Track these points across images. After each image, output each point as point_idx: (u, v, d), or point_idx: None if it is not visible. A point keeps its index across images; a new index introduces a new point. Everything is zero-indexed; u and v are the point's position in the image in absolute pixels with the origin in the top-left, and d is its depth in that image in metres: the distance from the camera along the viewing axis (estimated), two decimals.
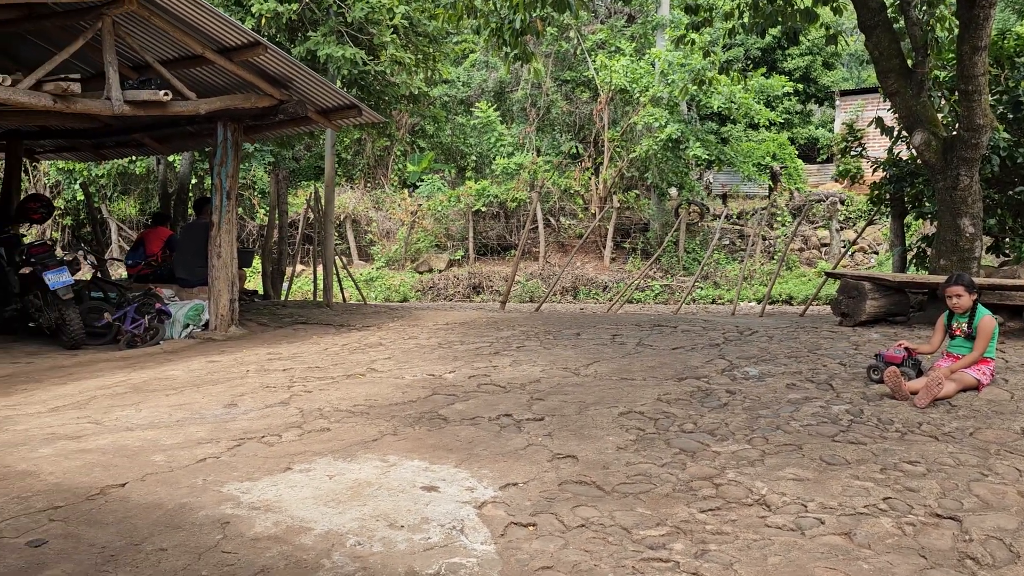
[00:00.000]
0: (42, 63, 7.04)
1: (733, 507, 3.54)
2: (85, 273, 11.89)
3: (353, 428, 4.78)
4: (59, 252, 17.16)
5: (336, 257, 11.99)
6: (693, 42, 11.45)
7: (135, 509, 3.55)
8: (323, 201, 11.87)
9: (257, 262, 14.62)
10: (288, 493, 3.71)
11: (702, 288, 18.03)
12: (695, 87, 14.74)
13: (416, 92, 11.51)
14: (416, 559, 3.03)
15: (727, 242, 20.66)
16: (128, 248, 20.13)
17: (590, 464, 4.10)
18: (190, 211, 13.63)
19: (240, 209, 19.79)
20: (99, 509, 3.55)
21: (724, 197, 23.87)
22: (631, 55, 21.24)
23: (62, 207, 21.62)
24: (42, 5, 7.27)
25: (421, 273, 20.26)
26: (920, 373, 5.38)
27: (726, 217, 19.71)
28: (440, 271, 20.16)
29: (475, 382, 5.96)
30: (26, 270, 8.57)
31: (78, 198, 20.80)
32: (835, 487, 3.73)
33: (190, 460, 4.25)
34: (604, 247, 20.36)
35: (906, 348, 5.45)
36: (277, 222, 12.56)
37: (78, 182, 20.29)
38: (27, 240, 10.68)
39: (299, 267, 14.32)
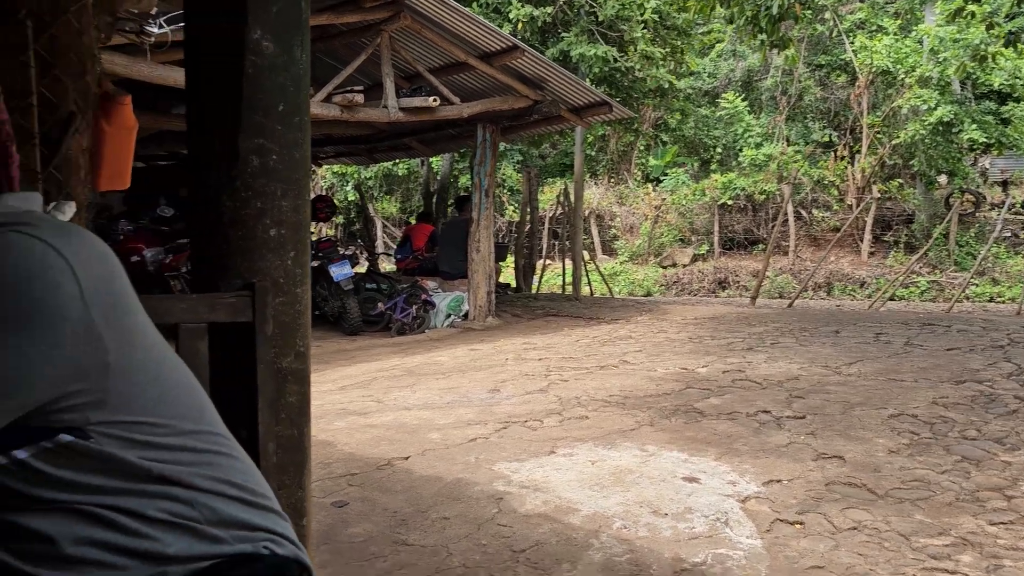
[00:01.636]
0: (328, 79, 7.88)
1: None
2: (361, 267, 13.12)
3: (610, 417, 4.91)
4: (340, 248, 19.09)
5: (584, 251, 12.27)
6: (972, 14, 10.37)
7: (418, 480, 3.91)
8: (572, 197, 12.18)
9: (510, 256, 15.32)
10: (554, 475, 3.90)
11: (977, 285, 16.29)
12: (973, 64, 13.32)
13: (665, 86, 11.46)
14: (682, 547, 3.07)
15: (1008, 234, 18.48)
16: (390, 243, 21.91)
17: (859, 466, 3.91)
18: (449, 208, 14.56)
19: None
20: (388, 478, 3.95)
21: (1004, 184, 21.34)
22: (895, 33, 19.62)
23: (337, 207, 23.95)
24: (332, 27, 8.12)
25: (664, 268, 20.13)
26: None
27: (1008, 206, 17.65)
28: (684, 266, 19.90)
29: (729, 377, 5.87)
30: (314, 263, 9.64)
31: (349, 198, 22.92)
32: None
33: (462, 439, 4.59)
34: (861, 240, 19.02)
35: None
36: (529, 218, 13.08)
37: (350, 184, 22.37)
38: (312, 237, 11.99)
39: (548, 261, 14.80)
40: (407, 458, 4.26)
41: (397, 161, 20.28)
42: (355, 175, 22.35)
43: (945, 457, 4.02)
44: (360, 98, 7.66)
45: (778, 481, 3.74)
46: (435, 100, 8.06)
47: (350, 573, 2.96)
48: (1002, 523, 3.23)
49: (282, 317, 1.77)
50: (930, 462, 3.96)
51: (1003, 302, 15.46)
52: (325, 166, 20.62)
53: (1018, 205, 19.00)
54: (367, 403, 5.56)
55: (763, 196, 19.94)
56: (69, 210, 2.53)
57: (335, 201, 23.67)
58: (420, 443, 4.52)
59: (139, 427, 1.01)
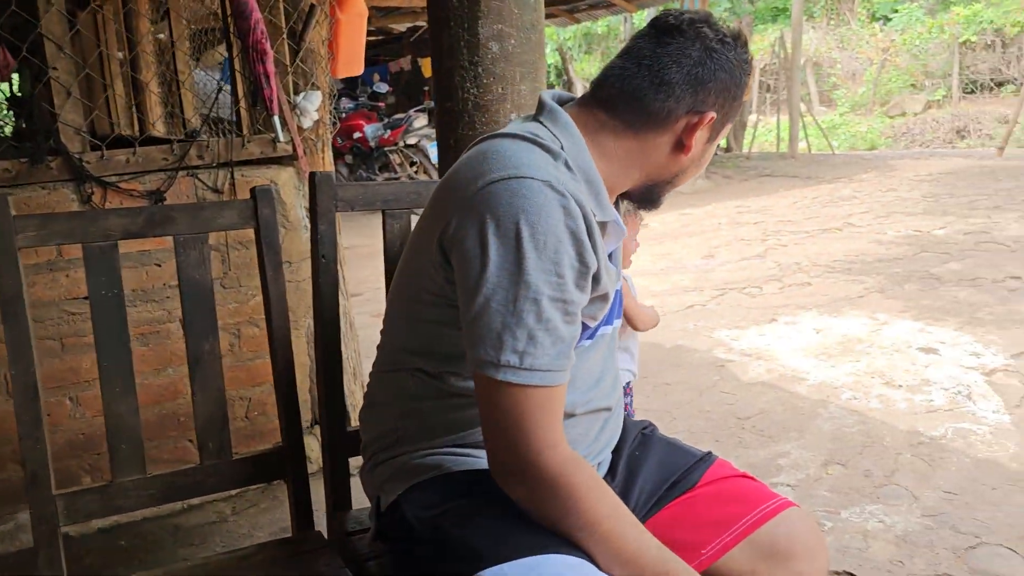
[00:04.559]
0: None
1: None
2: None
3: (835, 284, 4.71)
4: None
5: (800, 103, 11.45)
6: None
7: (640, 347, 3.99)
8: (788, 44, 11.31)
9: None
10: (776, 343, 3.85)
11: None
12: None
13: None
14: (918, 420, 2.96)
15: None
16: None
17: None
18: None
19: None
20: None
21: None
22: None
23: None
24: None
25: (892, 117, 18.38)
26: None
27: None
28: (915, 114, 18.05)
29: (972, 239, 5.39)
30: None
31: (549, 62, 22.66)
32: None
33: (679, 306, 4.60)
34: None
35: None
36: None
37: (552, 47, 22.06)
38: None
39: (758, 117, 14.00)
40: None
41: (597, 18, 19.65)
42: (554, 37, 21.96)
43: None
44: None
45: None
46: None
47: None
48: None
49: None
50: None
51: None
52: None
53: None
54: None
55: (1016, 29, 17.41)
56: (316, 99, 2.72)
57: None
58: None
59: None
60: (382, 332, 1.27)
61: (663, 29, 1.08)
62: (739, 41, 1.09)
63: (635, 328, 2.42)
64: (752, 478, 1.35)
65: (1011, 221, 5.77)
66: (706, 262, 5.58)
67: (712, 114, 1.08)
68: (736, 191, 8.64)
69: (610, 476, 1.29)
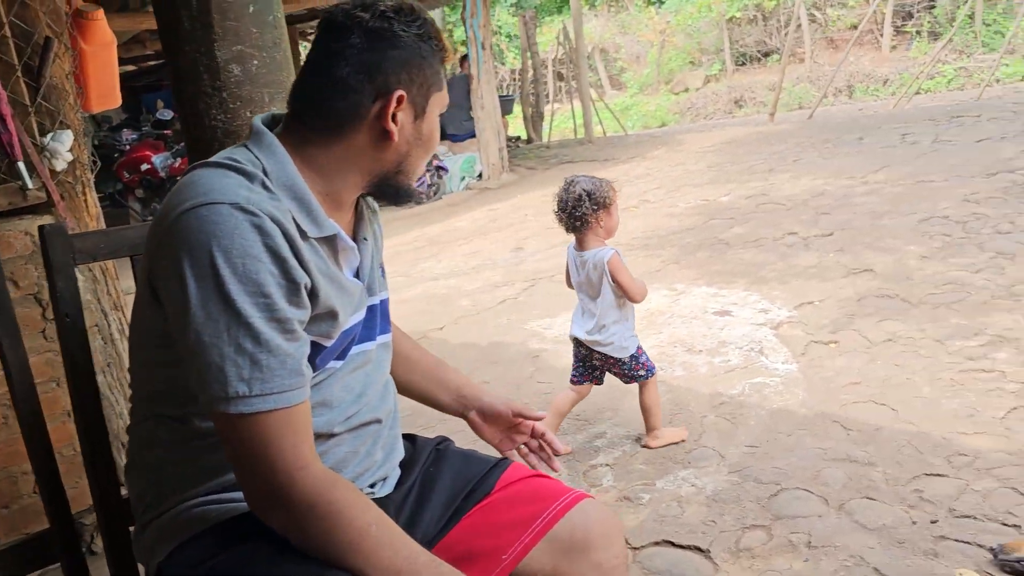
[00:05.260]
0: None
1: None
2: None
3: (635, 260, 4.91)
4: None
5: (591, 90, 11.90)
6: None
7: (456, 348, 4.00)
8: (572, 34, 11.72)
9: (516, 107, 14.96)
10: None
11: (1008, 65, 15.62)
12: None
13: None
14: (719, 381, 3.14)
15: None
16: None
17: (891, 277, 3.91)
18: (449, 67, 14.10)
19: None
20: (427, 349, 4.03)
21: None
22: None
23: None
24: None
25: (677, 94, 19.55)
26: None
27: None
28: (697, 89, 19.29)
29: (753, 203, 5.81)
30: None
31: None
32: None
33: (492, 302, 4.65)
34: (881, 35, 18.21)
35: None
36: (530, 63, 12.66)
37: None
38: None
39: (555, 106, 14.42)
40: (441, 328, 4.34)
41: None
42: None
43: (979, 255, 4.00)
44: None
45: (809, 303, 3.77)
46: None
47: None
48: None
49: None
50: (963, 263, 3.94)
51: None
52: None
53: None
54: (395, 279, 5.61)
55: (773, 2, 19.00)
56: (67, 139, 2.49)
57: None
58: (452, 312, 4.59)
59: None
60: (130, 384, 1.18)
61: (326, 28, 1.07)
62: (403, 12, 1.06)
63: (633, 301, 2.66)
64: (546, 476, 1.36)
65: (784, 181, 6.26)
66: (516, 255, 5.67)
67: (400, 92, 1.06)
68: (540, 181, 8.86)
69: (400, 493, 1.26)
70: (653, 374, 2.71)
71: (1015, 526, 2.04)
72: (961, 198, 4.89)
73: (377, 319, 1.22)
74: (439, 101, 1.13)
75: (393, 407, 1.27)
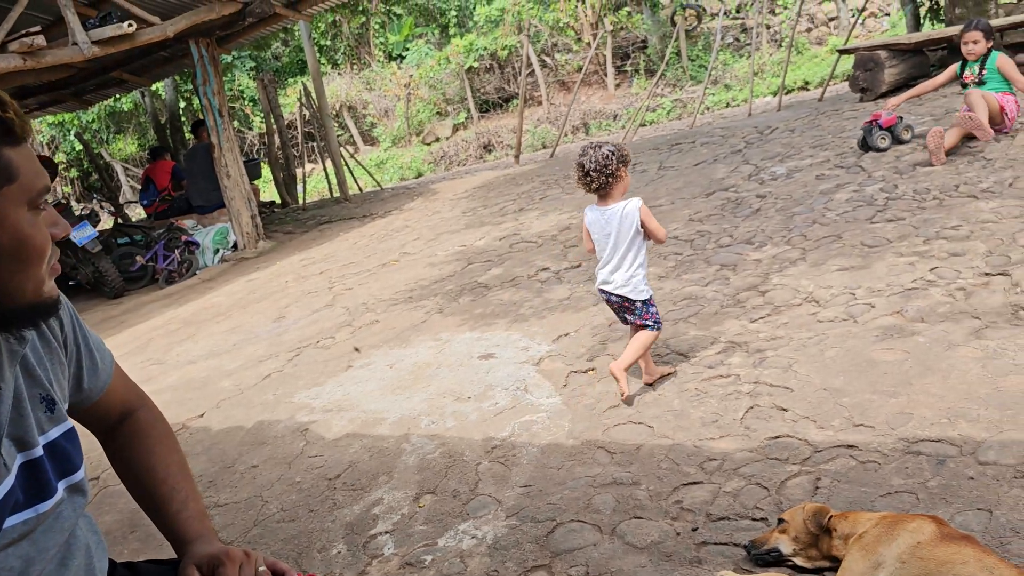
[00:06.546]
0: None
1: (783, 311, 3.59)
2: (107, 222, 11.96)
3: (400, 315, 4.88)
4: (75, 207, 17.23)
5: (342, 148, 11.82)
6: None
7: (219, 435, 3.72)
8: (314, 95, 11.61)
9: (267, 171, 14.53)
10: (355, 389, 3.85)
11: (713, 94, 17.51)
12: None
13: None
14: (489, 426, 3.15)
15: (730, 40, 19.84)
16: (137, 187, 20.12)
17: None
18: (188, 136, 13.47)
19: (235, 122, 19.52)
20: (186, 442, 3.72)
21: None
22: None
23: (64, 160, 21.52)
24: None
25: (428, 144, 19.96)
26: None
27: (724, 14, 18.83)
28: (447, 138, 19.83)
29: (507, 243, 5.99)
30: None
31: (76, 148, 20.64)
32: (880, 269, 3.74)
33: (256, 379, 4.40)
34: (605, 75, 19.76)
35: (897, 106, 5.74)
36: (275, 127, 12.37)
37: (72, 132, 20.09)
38: None
39: (309, 166, 14.17)
40: (202, 415, 4.03)
41: (118, 97, 18.34)
42: (75, 122, 20.03)
43: (707, 269, 4.36)
44: (42, 39, 6.70)
45: (566, 335, 3.91)
46: (131, 25, 7.21)
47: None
48: (761, 318, 3.57)
49: None
50: (694, 277, 4.28)
51: (738, 105, 16.76)
52: (34, 120, 18.30)
53: (733, 11, 20.31)
54: (147, 368, 5.18)
55: (506, 51, 20.03)
56: None
57: (60, 155, 21.26)
58: (213, 395, 4.29)
59: None
60: None
61: None
62: None
63: (659, 242, 3.10)
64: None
65: (533, 219, 6.53)
66: (278, 325, 5.43)
67: None
68: (299, 244, 8.62)
69: None
70: (659, 329, 3.08)
71: (763, 519, 2.19)
72: (687, 218, 5.34)
73: (47, 468, 1.03)
74: (13, 196, 0.92)
75: (84, 565, 1.07)
